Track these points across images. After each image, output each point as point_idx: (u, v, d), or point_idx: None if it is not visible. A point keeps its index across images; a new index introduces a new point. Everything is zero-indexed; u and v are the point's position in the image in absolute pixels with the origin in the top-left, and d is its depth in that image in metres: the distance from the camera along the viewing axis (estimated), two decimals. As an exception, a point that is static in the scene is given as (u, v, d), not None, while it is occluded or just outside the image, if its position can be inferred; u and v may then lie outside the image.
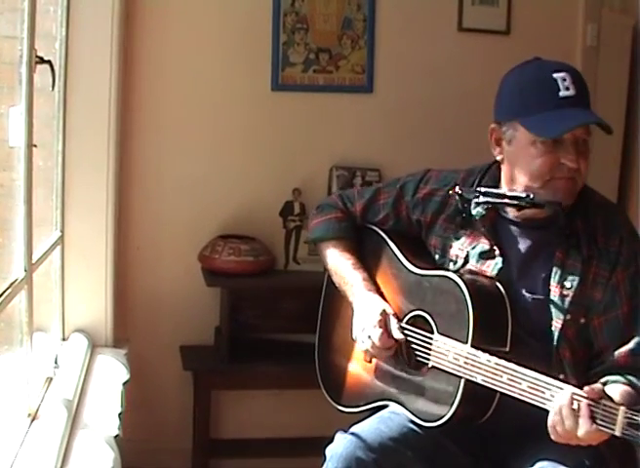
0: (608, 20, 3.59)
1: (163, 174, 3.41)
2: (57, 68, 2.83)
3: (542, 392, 1.90)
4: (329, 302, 2.52)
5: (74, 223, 3.11)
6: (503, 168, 2.17)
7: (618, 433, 1.77)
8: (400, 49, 3.48)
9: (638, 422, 1.74)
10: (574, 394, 1.84)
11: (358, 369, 2.37)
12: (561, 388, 1.87)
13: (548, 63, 2.12)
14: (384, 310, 2.22)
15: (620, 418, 1.77)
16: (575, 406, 1.83)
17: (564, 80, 2.04)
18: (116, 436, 2.50)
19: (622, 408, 1.77)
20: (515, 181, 2.12)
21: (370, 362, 2.30)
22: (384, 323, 2.20)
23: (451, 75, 3.49)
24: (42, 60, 2.57)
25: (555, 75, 2.05)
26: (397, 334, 2.18)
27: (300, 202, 3.43)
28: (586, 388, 1.84)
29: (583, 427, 1.81)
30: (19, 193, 2.43)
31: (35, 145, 2.48)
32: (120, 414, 2.65)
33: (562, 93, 2.03)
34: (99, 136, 3.10)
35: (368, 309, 2.24)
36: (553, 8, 3.56)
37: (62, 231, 3.10)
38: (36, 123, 2.47)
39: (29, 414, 2.42)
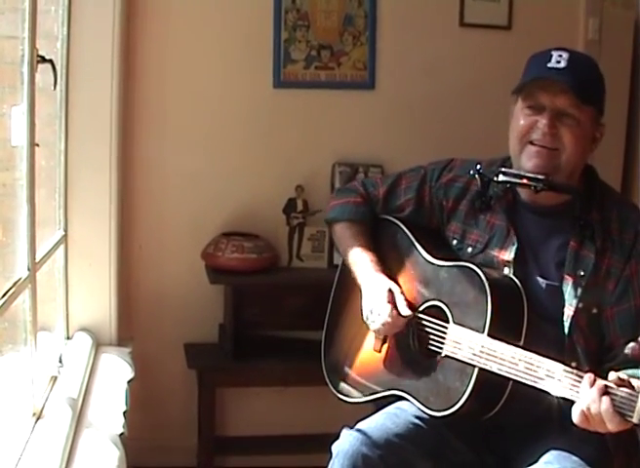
0: (609, 14, 3.59)
1: (165, 172, 3.41)
2: (58, 68, 2.83)
3: (560, 380, 1.90)
4: (339, 293, 2.52)
5: (77, 222, 3.12)
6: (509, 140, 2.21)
7: (636, 420, 1.78)
8: (401, 45, 3.48)
9: None
10: (596, 380, 1.84)
11: (367, 359, 2.36)
12: (580, 377, 1.87)
13: (564, 48, 2.17)
14: (390, 288, 2.23)
15: (638, 406, 1.77)
16: (596, 392, 1.82)
17: (559, 56, 2.11)
18: (121, 434, 2.51)
19: None
20: (510, 150, 2.18)
21: (379, 351, 2.30)
22: (392, 299, 2.21)
23: (452, 70, 3.49)
24: (44, 60, 2.57)
25: (553, 52, 2.12)
26: (405, 311, 2.19)
27: (303, 199, 3.43)
28: (613, 376, 1.84)
29: (605, 414, 1.80)
30: (21, 192, 2.43)
31: (37, 145, 2.48)
32: (125, 413, 2.65)
33: (550, 64, 2.10)
34: (101, 134, 3.11)
35: (375, 289, 2.25)
36: (554, 2, 3.56)
37: (66, 230, 3.10)
38: (38, 122, 2.47)
39: (34, 413, 2.42)
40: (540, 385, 1.92)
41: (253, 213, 3.44)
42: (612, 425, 1.81)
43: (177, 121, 3.40)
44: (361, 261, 2.35)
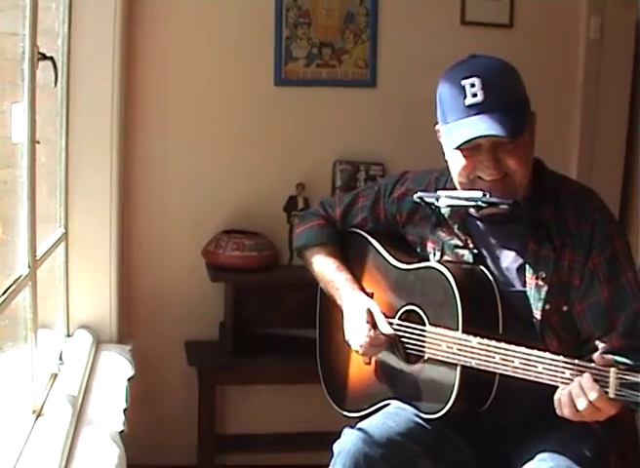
0: (611, 13, 3.58)
1: (166, 169, 3.41)
2: (59, 65, 2.83)
3: (535, 366, 1.91)
4: (324, 308, 2.52)
5: (78, 220, 3.12)
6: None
7: (612, 395, 1.78)
8: (403, 43, 3.48)
9: (631, 381, 1.76)
10: (566, 363, 1.86)
11: (359, 372, 2.37)
12: (553, 360, 1.88)
13: (469, 66, 2.12)
14: (369, 308, 2.24)
15: (612, 380, 1.78)
16: (567, 375, 1.85)
17: (472, 86, 2.05)
18: (121, 432, 2.51)
19: (613, 369, 1.79)
20: (454, 179, 2.14)
21: (369, 364, 2.32)
22: (372, 319, 2.22)
23: (454, 69, 3.48)
24: (44, 57, 2.57)
25: (463, 82, 2.07)
26: (386, 329, 2.20)
27: (304, 197, 3.43)
28: (596, 355, 1.84)
29: (590, 389, 1.81)
30: (22, 190, 2.43)
31: (38, 142, 2.48)
32: (125, 410, 2.65)
33: (467, 100, 2.05)
34: (102, 132, 3.11)
35: (354, 309, 2.26)
36: (556, 1, 3.56)
37: (66, 227, 3.10)
38: (39, 119, 2.47)
39: (34, 411, 2.42)
40: (518, 374, 1.93)
41: (254, 210, 3.44)
42: (590, 391, 1.80)
43: (177, 118, 3.40)
44: (337, 282, 2.36)
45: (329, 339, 2.49)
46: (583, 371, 1.83)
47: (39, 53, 2.47)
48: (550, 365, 1.89)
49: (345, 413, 2.40)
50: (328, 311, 2.47)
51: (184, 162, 3.41)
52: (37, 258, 2.51)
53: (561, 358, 1.88)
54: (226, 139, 3.44)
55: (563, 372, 1.87)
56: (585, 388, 1.82)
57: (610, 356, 1.87)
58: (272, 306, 3.45)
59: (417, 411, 2.15)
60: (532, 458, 2.02)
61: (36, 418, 2.40)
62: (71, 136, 3.09)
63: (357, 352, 2.26)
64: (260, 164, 3.45)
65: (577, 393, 1.83)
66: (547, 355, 1.90)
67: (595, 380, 1.81)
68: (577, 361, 1.85)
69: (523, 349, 1.93)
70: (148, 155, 3.38)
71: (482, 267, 2.15)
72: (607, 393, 1.79)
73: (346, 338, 2.28)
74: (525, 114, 2.09)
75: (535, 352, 1.92)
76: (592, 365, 1.83)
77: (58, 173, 3.07)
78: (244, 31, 3.39)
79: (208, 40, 3.38)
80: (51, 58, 2.66)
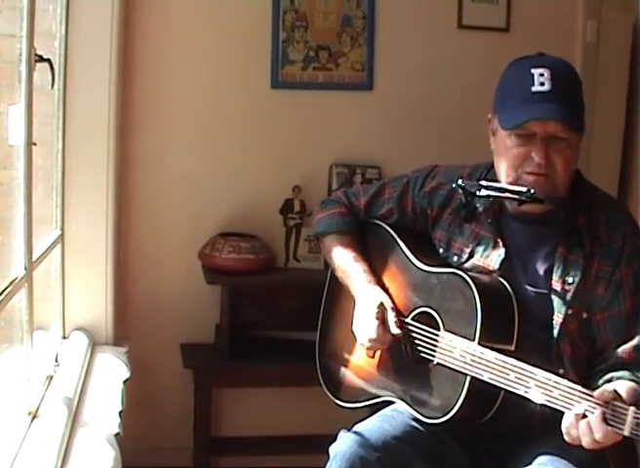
0: (608, 17, 3.59)
1: (163, 171, 3.40)
2: (56, 67, 2.83)
3: (550, 391, 1.89)
4: (331, 298, 2.51)
5: (74, 222, 3.12)
6: (494, 158, 2.18)
7: (626, 433, 1.78)
8: (400, 46, 3.48)
9: None
10: (583, 394, 1.84)
11: (360, 364, 2.36)
12: (571, 388, 1.87)
13: (538, 59, 2.13)
14: (382, 303, 2.21)
15: (629, 419, 1.77)
16: (584, 406, 1.83)
17: (541, 75, 2.05)
18: (117, 434, 2.51)
19: (632, 408, 1.78)
20: (499, 172, 2.14)
21: (373, 357, 2.30)
22: (382, 316, 2.19)
23: (450, 72, 3.49)
24: (41, 59, 2.57)
25: (533, 70, 2.07)
26: (394, 329, 2.18)
27: (300, 199, 3.43)
28: (597, 393, 1.83)
29: (598, 429, 1.80)
30: (18, 191, 2.43)
31: (35, 143, 2.48)
32: (121, 413, 2.65)
33: (534, 88, 2.05)
34: (98, 134, 3.10)
35: (367, 302, 2.24)
36: (553, 4, 3.56)
37: (62, 229, 3.10)
38: (36, 121, 2.47)
39: (30, 413, 2.42)
40: (530, 396, 1.92)
41: (250, 213, 3.44)
42: (597, 432, 1.80)
43: (174, 121, 3.40)
44: (353, 272, 2.34)
45: (333, 325, 2.48)
46: (600, 405, 1.81)
47: (36, 54, 2.47)
48: (567, 392, 1.87)
49: (339, 402, 2.39)
50: (335, 298, 2.46)
51: (181, 164, 3.41)
52: (33, 260, 2.51)
53: (579, 387, 1.86)
54: (223, 142, 3.44)
55: (579, 403, 1.84)
56: (594, 428, 1.81)
57: (610, 390, 1.84)
58: (268, 309, 3.45)
59: (416, 414, 2.14)
60: (530, 463, 2.02)
61: (32, 420, 2.40)
62: (68, 138, 3.08)
63: (362, 345, 2.25)
64: (256, 166, 3.45)
65: (583, 431, 1.82)
66: (565, 382, 1.88)
67: (611, 417, 1.79)
68: (596, 394, 1.83)
69: (541, 372, 1.92)
70: (145, 157, 3.38)
71: (504, 280, 2.13)
72: (622, 430, 1.78)
73: (353, 329, 2.26)
74: (583, 117, 2.10)
75: (552, 376, 1.90)
76: (611, 401, 1.81)
77: (54, 174, 3.06)
78: (241, 34, 3.39)
79: (205, 43, 3.38)
80: (48, 60, 2.66)
